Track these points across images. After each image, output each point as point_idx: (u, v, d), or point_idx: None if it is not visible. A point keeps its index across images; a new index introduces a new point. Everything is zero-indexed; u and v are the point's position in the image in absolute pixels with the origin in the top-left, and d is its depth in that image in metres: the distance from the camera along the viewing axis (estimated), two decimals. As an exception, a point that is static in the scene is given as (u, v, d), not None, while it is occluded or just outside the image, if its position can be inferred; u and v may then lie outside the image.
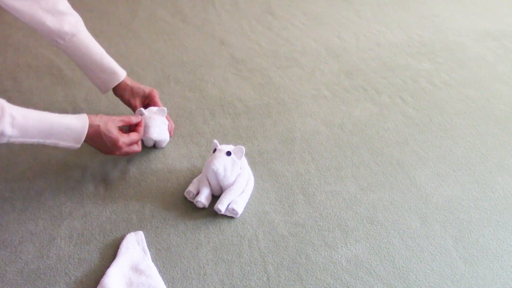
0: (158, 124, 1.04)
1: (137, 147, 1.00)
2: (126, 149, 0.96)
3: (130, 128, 1.01)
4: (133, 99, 1.08)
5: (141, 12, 1.67)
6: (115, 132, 0.93)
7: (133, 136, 0.97)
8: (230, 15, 1.69)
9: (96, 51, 1.03)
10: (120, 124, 0.96)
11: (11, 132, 0.77)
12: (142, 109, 1.05)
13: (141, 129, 1.01)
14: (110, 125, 0.92)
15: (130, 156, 1.06)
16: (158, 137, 1.05)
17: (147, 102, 1.09)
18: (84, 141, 0.89)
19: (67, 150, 1.07)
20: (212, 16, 1.67)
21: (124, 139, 0.94)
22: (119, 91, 1.08)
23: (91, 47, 1.03)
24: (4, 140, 0.78)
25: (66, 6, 0.98)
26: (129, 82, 1.08)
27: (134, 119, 1.00)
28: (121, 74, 1.06)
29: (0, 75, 1.31)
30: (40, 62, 1.37)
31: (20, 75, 1.32)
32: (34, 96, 1.24)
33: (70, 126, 0.85)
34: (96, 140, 0.91)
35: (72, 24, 0.98)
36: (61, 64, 1.36)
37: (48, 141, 0.84)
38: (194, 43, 1.51)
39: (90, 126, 0.89)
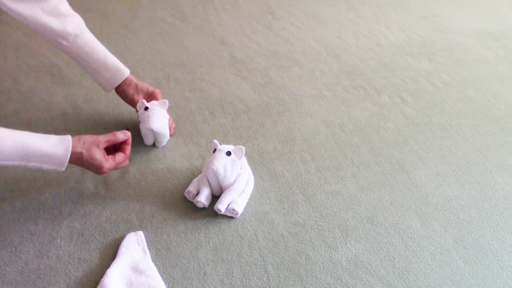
0: (159, 116, 1.04)
1: (125, 163, 0.97)
2: (113, 169, 0.93)
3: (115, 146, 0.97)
4: (137, 95, 1.09)
5: (141, 12, 1.67)
6: (99, 159, 0.88)
7: (119, 157, 0.94)
8: (230, 15, 1.69)
9: (100, 50, 1.04)
10: (105, 145, 0.91)
11: None
12: (144, 100, 1.06)
13: (128, 147, 0.97)
14: (94, 151, 0.88)
15: (130, 156, 1.06)
16: (158, 128, 1.04)
17: (150, 100, 1.10)
18: (69, 163, 0.85)
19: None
20: (212, 16, 1.67)
21: (108, 165, 0.91)
22: (123, 86, 1.08)
23: (95, 46, 1.03)
24: None
25: (67, 8, 0.99)
26: (133, 78, 1.10)
27: (120, 136, 0.94)
28: (125, 71, 1.07)
29: (0, 75, 1.31)
30: (40, 62, 1.37)
31: (20, 75, 1.32)
32: (34, 96, 1.24)
33: (50, 153, 0.81)
34: (81, 165, 0.89)
35: (75, 25, 0.99)
36: (61, 64, 1.36)
37: (30, 164, 0.80)
38: (194, 43, 1.51)
39: (73, 153, 0.84)
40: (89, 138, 0.89)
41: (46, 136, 0.82)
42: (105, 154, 0.91)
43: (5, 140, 0.76)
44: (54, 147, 0.82)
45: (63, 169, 0.84)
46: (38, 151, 0.79)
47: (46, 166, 0.82)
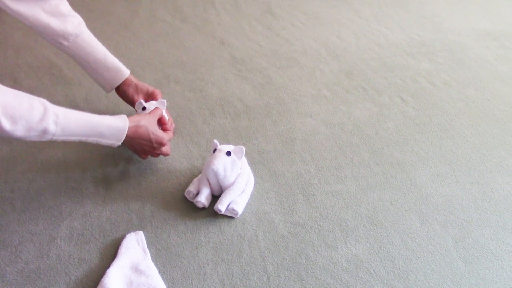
0: None
1: (169, 149, 1.02)
2: (164, 149, 0.99)
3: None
4: (137, 95, 1.10)
5: (141, 12, 1.67)
6: (160, 131, 0.98)
7: (170, 134, 1.03)
8: (230, 15, 1.69)
9: (100, 50, 1.04)
10: (156, 119, 1.00)
11: (54, 130, 0.79)
12: (142, 100, 1.05)
13: (168, 122, 1.04)
14: (155, 125, 0.97)
15: (130, 156, 1.06)
16: None
17: (149, 100, 1.10)
18: (126, 141, 0.92)
19: (66, 150, 1.07)
20: (212, 16, 1.67)
21: (167, 136, 0.98)
22: (124, 87, 1.09)
23: (95, 46, 1.04)
24: (48, 138, 0.79)
25: (67, 8, 0.99)
26: (133, 79, 1.10)
27: (161, 111, 1.02)
28: (126, 71, 1.08)
29: (0, 75, 1.31)
30: (40, 62, 1.37)
31: (20, 75, 1.32)
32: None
33: (111, 125, 0.88)
34: (143, 139, 0.94)
35: (75, 25, 0.99)
36: (61, 64, 1.36)
37: (90, 139, 0.87)
38: (194, 43, 1.51)
39: (139, 127, 0.92)
40: (145, 115, 0.97)
41: (103, 116, 0.88)
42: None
43: (70, 118, 0.82)
44: (114, 121, 0.89)
45: (119, 143, 0.91)
46: (99, 126, 0.86)
47: (104, 141, 0.89)
